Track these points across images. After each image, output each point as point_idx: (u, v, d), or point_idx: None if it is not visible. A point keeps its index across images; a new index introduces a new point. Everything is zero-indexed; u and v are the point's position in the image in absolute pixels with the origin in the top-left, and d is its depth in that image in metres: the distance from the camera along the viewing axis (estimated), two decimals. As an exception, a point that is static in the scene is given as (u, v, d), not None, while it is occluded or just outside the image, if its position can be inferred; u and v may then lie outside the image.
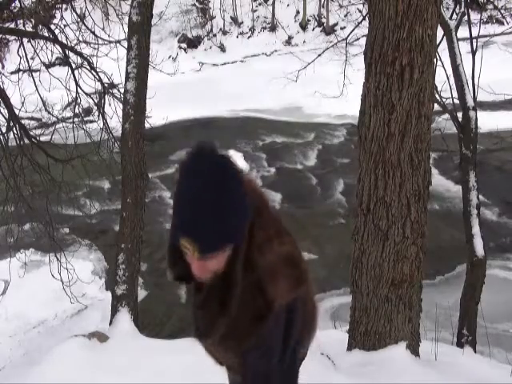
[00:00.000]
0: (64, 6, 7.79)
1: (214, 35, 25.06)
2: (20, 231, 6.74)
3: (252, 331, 1.40)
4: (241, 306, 1.37)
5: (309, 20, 26.10)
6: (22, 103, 6.35)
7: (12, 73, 8.18)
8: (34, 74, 6.83)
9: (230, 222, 1.26)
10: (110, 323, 4.87)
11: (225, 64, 22.93)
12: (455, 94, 5.80)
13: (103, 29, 7.44)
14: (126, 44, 5.12)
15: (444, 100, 5.93)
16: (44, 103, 7.11)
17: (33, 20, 7.06)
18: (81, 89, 6.88)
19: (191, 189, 1.23)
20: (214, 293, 1.39)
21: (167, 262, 1.43)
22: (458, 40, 5.78)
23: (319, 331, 1.68)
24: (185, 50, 24.95)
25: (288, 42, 25.34)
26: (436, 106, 4.44)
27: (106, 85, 6.98)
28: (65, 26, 6.64)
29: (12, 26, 6.78)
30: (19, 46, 6.55)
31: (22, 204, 6.20)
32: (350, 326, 3.65)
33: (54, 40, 6.46)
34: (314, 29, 25.83)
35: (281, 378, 1.52)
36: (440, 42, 5.32)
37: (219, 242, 1.27)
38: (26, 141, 6.28)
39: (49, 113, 7.58)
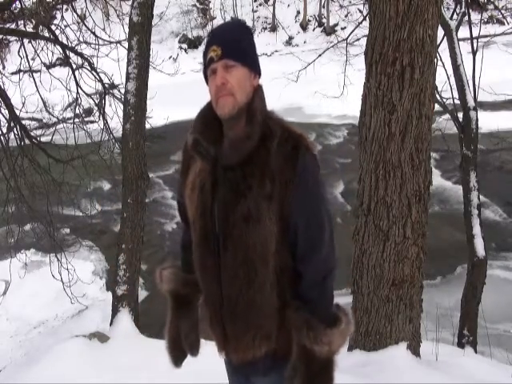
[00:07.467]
0: (65, 6, 7.78)
1: (215, 36, 25.10)
2: (20, 232, 6.73)
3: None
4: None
5: (309, 20, 26.12)
6: (23, 104, 6.34)
7: (13, 73, 8.17)
8: (34, 74, 6.82)
9: (251, 51, 1.59)
10: (111, 323, 4.86)
11: (225, 64, 22.94)
12: (456, 95, 5.82)
13: (104, 29, 7.41)
14: (126, 44, 5.11)
15: (445, 100, 5.94)
16: (45, 104, 7.10)
17: (33, 20, 7.06)
18: (81, 89, 6.87)
19: (224, 24, 1.66)
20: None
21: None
22: (459, 40, 5.80)
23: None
24: (185, 50, 24.98)
25: (288, 42, 25.37)
26: (437, 107, 4.45)
27: (106, 85, 6.96)
28: (65, 26, 6.62)
29: (13, 26, 6.78)
30: (20, 47, 6.54)
31: (22, 204, 6.19)
32: (350, 326, 3.64)
33: (55, 40, 6.44)
34: (314, 29, 25.86)
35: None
36: (441, 42, 5.34)
37: (240, 53, 1.53)
38: (27, 141, 6.27)
39: (49, 113, 7.57)
